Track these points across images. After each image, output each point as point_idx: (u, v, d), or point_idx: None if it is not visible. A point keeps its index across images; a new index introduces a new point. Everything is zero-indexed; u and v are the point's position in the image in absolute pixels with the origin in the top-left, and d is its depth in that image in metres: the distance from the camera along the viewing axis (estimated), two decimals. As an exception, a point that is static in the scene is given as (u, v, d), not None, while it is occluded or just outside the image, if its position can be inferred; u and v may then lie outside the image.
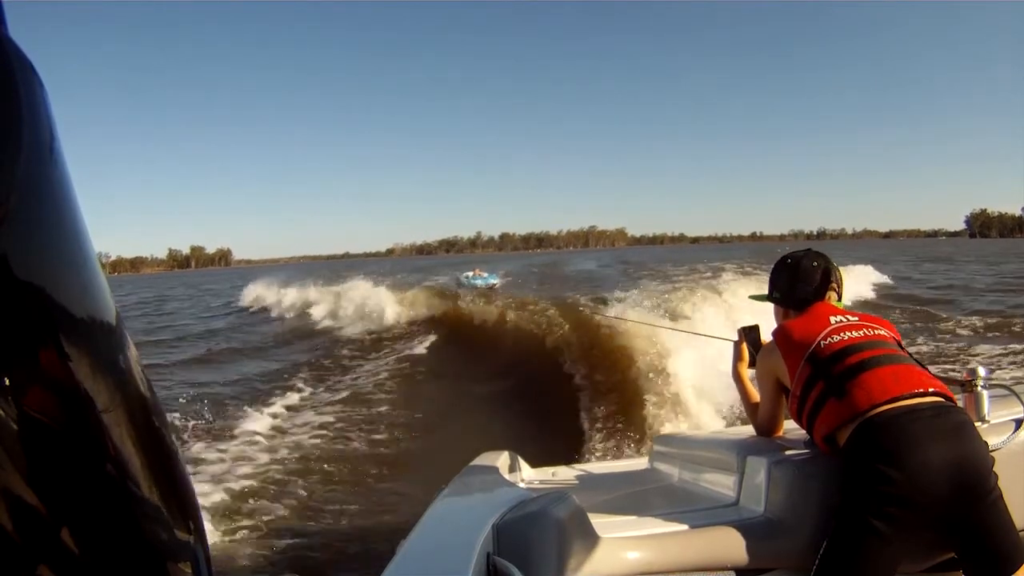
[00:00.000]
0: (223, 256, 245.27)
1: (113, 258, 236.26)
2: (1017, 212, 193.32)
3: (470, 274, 22.72)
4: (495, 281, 21.73)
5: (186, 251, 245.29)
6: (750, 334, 1.83)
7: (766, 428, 1.67)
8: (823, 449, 1.41)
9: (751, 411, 1.74)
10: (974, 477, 1.23)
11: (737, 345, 1.84)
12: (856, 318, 1.51)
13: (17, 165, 0.25)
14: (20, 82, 0.26)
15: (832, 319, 1.49)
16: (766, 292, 1.75)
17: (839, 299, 1.65)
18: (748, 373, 1.82)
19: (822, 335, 1.45)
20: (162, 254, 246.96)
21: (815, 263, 1.64)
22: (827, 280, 1.62)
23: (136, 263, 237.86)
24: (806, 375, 1.43)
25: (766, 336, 1.74)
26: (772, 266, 1.75)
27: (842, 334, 1.44)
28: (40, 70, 0.28)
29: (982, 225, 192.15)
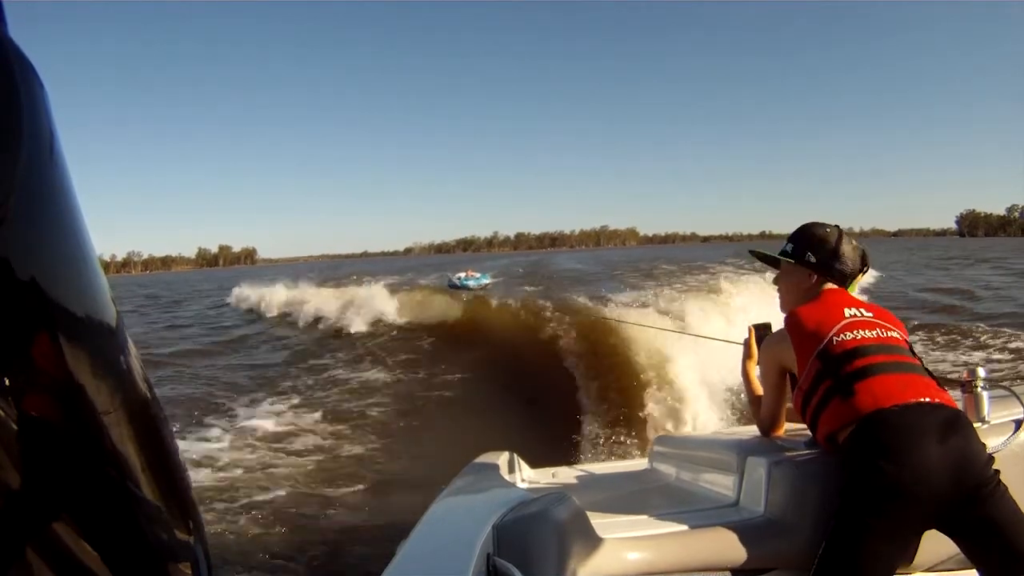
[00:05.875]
0: (248, 255, 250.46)
1: (145, 256, 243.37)
2: (1002, 212, 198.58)
3: (462, 275, 22.52)
4: (487, 281, 21.61)
5: (214, 250, 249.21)
6: (761, 332, 1.77)
7: (769, 422, 1.63)
8: (825, 447, 1.40)
9: (755, 407, 1.69)
10: (974, 474, 1.22)
11: (747, 342, 1.78)
12: (871, 313, 1.45)
13: (17, 165, 0.25)
14: (20, 82, 0.26)
15: (847, 311, 1.44)
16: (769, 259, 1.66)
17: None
18: (756, 371, 1.76)
19: (835, 330, 1.40)
20: (192, 253, 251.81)
21: (854, 242, 1.57)
22: (863, 263, 1.56)
23: (167, 261, 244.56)
24: (815, 370, 1.40)
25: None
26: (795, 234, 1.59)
27: (855, 332, 1.40)
28: (41, 70, 0.28)
29: (970, 225, 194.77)
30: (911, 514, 1.22)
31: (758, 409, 1.68)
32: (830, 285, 1.54)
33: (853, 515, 1.24)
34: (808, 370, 1.42)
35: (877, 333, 1.40)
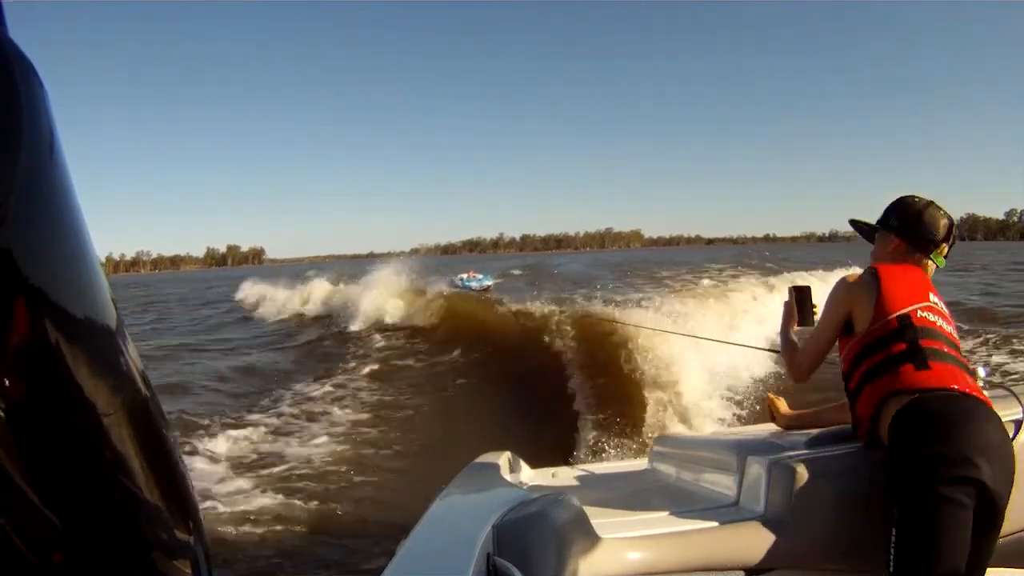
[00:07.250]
0: (256, 255, 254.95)
1: (154, 255, 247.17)
2: (1000, 216, 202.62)
3: (464, 276, 22.54)
4: (489, 283, 21.64)
5: (223, 250, 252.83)
6: (802, 293, 1.81)
7: (808, 361, 1.64)
8: (860, 408, 1.43)
9: (791, 352, 1.71)
10: (1010, 480, 1.26)
11: (787, 304, 1.82)
12: (947, 311, 1.50)
13: (17, 165, 0.25)
14: (20, 82, 0.26)
15: (931, 296, 1.49)
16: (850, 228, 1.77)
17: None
18: (794, 330, 1.79)
19: (921, 305, 1.45)
20: (200, 252, 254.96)
21: (943, 213, 1.60)
22: (949, 233, 1.58)
23: (175, 261, 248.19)
24: (891, 328, 1.43)
25: (817, 299, 1.74)
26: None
27: (936, 316, 1.45)
28: (41, 70, 0.28)
29: (970, 228, 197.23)
30: (968, 487, 1.22)
31: (794, 355, 1.68)
32: (915, 258, 1.57)
33: (924, 489, 1.23)
34: (884, 325, 1.44)
35: (950, 330, 1.47)
